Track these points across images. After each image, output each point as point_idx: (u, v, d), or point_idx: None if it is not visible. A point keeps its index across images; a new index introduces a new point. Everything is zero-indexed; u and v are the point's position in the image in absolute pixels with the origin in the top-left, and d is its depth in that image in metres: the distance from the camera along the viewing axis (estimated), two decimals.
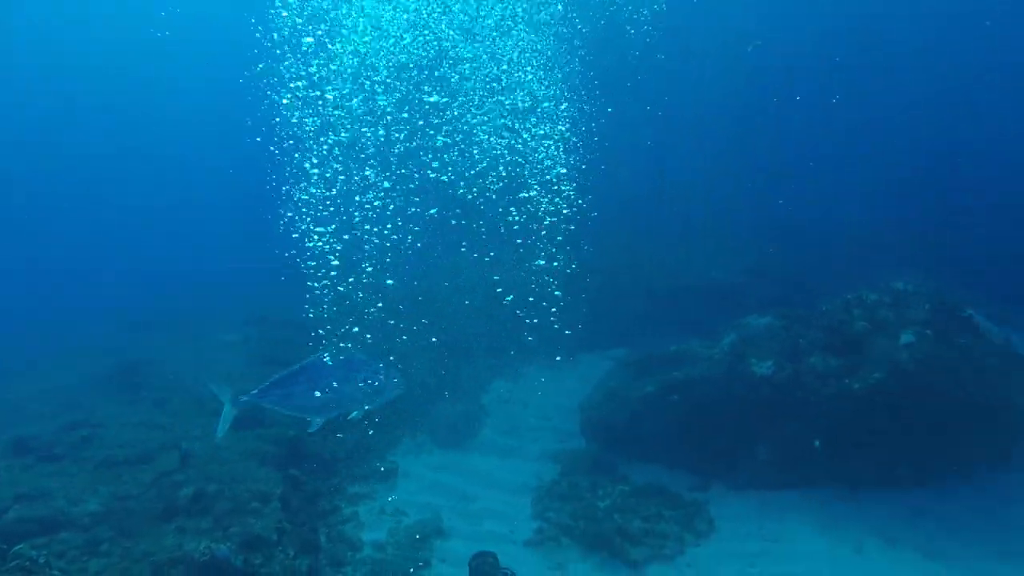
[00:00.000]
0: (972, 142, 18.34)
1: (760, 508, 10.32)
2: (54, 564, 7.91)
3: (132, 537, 9.51)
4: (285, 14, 11.98)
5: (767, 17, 22.05)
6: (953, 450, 10.26)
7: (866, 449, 10.21)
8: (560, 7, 16.22)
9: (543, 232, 15.43)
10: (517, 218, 14.42)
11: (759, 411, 10.71)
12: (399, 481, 11.79)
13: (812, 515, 10.02)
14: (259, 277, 19.98)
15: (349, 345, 7.63)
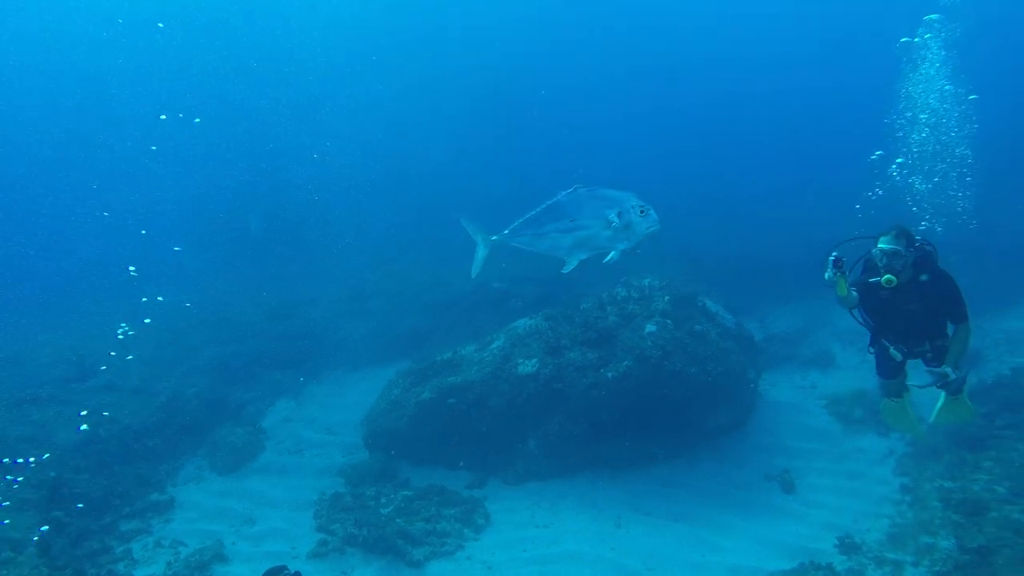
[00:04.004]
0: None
1: (533, 497, 11.04)
2: None
3: None
4: None
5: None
6: (697, 424, 11.55)
7: (623, 432, 11.21)
8: None
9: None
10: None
11: (528, 407, 11.44)
12: (177, 512, 11.44)
13: (578, 499, 10.87)
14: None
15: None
